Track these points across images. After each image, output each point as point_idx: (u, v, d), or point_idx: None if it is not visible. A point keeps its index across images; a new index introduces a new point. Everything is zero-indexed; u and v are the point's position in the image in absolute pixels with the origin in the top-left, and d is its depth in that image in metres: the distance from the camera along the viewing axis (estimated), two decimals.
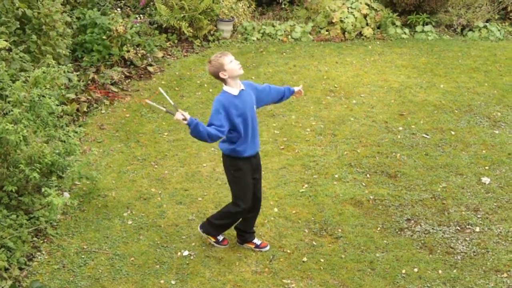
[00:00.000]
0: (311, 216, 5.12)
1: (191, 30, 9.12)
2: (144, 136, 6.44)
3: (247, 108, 4.24)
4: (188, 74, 8.12)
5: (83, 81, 7.15)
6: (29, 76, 5.08)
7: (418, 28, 9.94)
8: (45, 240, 4.72)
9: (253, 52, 9.06)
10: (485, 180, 5.69)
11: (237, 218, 4.59)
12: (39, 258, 4.53)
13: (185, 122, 4.10)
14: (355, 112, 7.06)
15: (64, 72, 5.38)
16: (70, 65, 5.67)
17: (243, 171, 4.36)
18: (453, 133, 6.60)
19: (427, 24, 10.03)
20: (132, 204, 5.24)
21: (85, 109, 6.79)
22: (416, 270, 4.50)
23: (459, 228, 5.01)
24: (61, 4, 7.04)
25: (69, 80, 6.63)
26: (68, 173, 5.20)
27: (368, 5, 9.96)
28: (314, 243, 4.78)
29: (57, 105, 4.95)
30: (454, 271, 4.50)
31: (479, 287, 4.35)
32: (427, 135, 6.55)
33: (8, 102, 4.88)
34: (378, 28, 10.01)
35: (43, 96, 4.87)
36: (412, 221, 5.08)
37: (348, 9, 9.88)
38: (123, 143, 6.27)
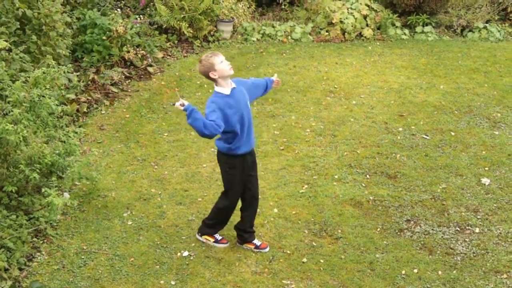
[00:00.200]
0: (311, 217, 5.12)
1: (191, 31, 9.12)
2: (144, 136, 6.44)
3: (241, 105, 4.26)
4: (188, 75, 8.13)
5: (83, 82, 7.15)
6: (29, 77, 5.08)
7: (418, 29, 9.95)
8: (45, 241, 4.72)
9: (253, 52, 9.06)
10: (485, 181, 5.69)
11: (228, 212, 4.63)
12: (39, 258, 4.53)
13: (182, 107, 4.10)
14: (355, 112, 7.06)
15: (64, 72, 5.37)
16: (70, 65, 5.66)
17: (237, 169, 4.40)
18: (453, 134, 6.60)
19: (427, 25, 10.04)
20: (132, 205, 5.24)
21: (85, 110, 6.79)
22: (415, 271, 4.50)
23: (459, 229, 5.01)
24: (61, 5, 7.04)
25: (69, 80, 6.63)
26: (68, 174, 5.20)
27: (368, 6, 9.97)
28: (314, 243, 4.79)
29: (57, 106, 4.95)
30: (454, 272, 4.50)
31: None
32: (427, 136, 6.55)
33: (8, 103, 4.88)
34: (378, 29, 10.01)
35: (43, 96, 4.87)
36: (412, 222, 5.08)
37: (348, 10, 9.89)
38: (123, 144, 6.27)
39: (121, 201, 5.28)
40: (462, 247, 4.77)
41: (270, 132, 6.57)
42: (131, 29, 8.17)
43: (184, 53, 8.92)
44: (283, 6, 10.48)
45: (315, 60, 8.75)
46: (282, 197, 5.39)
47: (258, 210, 5.11)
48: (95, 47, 7.83)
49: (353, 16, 9.82)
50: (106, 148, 6.17)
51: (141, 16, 9.10)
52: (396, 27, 9.95)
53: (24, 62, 6.13)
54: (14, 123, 4.62)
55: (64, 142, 5.07)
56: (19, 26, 6.48)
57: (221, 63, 4.18)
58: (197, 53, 8.93)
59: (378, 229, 4.98)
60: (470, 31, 10.05)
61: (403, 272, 4.48)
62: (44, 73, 5.05)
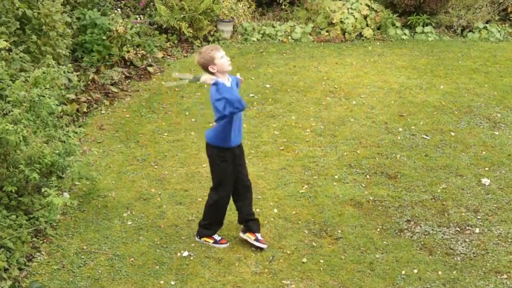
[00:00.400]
0: (311, 217, 5.12)
1: (191, 31, 9.12)
2: (144, 136, 6.44)
3: None
4: None
5: (83, 82, 7.15)
6: (29, 76, 5.08)
7: (418, 29, 9.95)
8: (45, 241, 4.71)
9: (253, 52, 9.06)
10: (485, 181, 5.69)
11: (221, 208, 4.64)
12: (38, 258, 4.52)
13: (212, 81, 4.18)
14: (355, 113, 7.06)
15: (64, 72, 5.38)
16: (70, 65, 5.66)
17: (228, 162, 4.45)
18: (453, 134, 6.60)
19: (427, 25, 10.04)
20: (132, 205, 5.23)
21: (85, 110, 6.78)
22: (415, 271, 4.50)
23: (459, 229, 5.00)
24: (61, 4, 7.04)
25: (69, 80, 6.63)
26: (68, 174, 5.21)
27: (368, 6, 9.96)
28: (314, 244, 4.78)
29: (57, 105, 4.95)
30: (454, 272, 4.50)
31: None
32: (427, 136, 6.55)
33: (8, 102, 4.87)
34: (378, 29, 10.01)
35: (43, 96, 4.87)
36: (412, 222, 5.08)
37: (348, 10, 9.89)
38: (123, 144, 6.27)
39: (121, 201, 5.28)
40: (462, 247, 4.77)
41: (270, 132, 6.56)
42: (131, 29, 8.17)
43: (184, 53, 8.92)
44: (283, 6, 10.47)
45: (315, 60, 8.75)
46: (282, 197, 5.38)
47: (258, 210, 5.12)
48: (95, 47, 7.82)
49: (353, 16, 9.82)
50: (106, 148, 6.16)
51: (141, 16, 9.10)
52: (396, 27, 9.95)
53: (24, 62, 6.13)
54: (14, 123, 4.61)
55: (64, 142, 5.06)
56: (19, 26, 6.48)
57: (221, 58, 4.22)
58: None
59: (378, 230, 4.97)
60: (470, 31, 10.05)
61: (403, 272, 4.48)
62: (44, 73, 5.05)
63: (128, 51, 8.02)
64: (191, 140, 6.35)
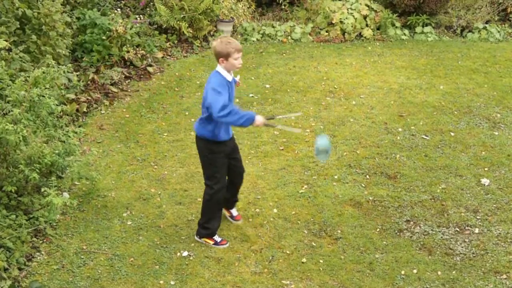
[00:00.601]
0: (310, 217, 5.12)
1: (191, 31, 9.12)
2: (144, 136, 6.44)
3: (232, 96, 4.39)
4: (188, 75, 8.13)
5: (83, 81, 7.15)
6: (29, 76, 5.08)
7: (418, 29, 9.95)
8: (45, 240, 4.71)
9: (253, 52, 9.06)
10: (485, 181, 5.69)
11: (218, 202, 4.63)
12: (38, 258, 4.52)
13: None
14: (355, 113, 7.06)
15: (64, 72, 5.38)
16: (70, 65, 5.66)
17: (218, 155, 4.48)
18: (452, 134, 6.60)
19: (426, 25, 10.04)
20: (131, 205, 5.24)
21: (84, 110, 6.79)
22: (415, 271, 4.50)
23: (458, 229, 5.01)
24: (61, 4, 7.04)
25: (69, 80, 6.63)
26: (68, 174, 5.21)
27: (368, 6, 9.97)
28: (313, 244, 4.79)
29: (57, 105, 4.95)
30: (453, 272, 4.50)
31: None
32: (427, 136, 6.56)
33: (8, 102, 4.88)
34: (378, 29, 10.01)
35: (43, 96, 4.87)
36: (412, 222, 5.08)
37: (348, 10, 9.89)
38: (123, 144, 6.27)
39: (121, 201, 5.28)
40: (462, 247, 4.78)
41: (270, 132, 6.57)
42: (131, 29, 8.17)
43: (184, 53, 8.92)
44: (283, 6, 10.48)
45: (315, 60, 8.75)
46: (282, 197, 5.39)
47: (257, 210, 5.13)
48: (95, 47, 7.83)
49: (353, 16, 9.83)
50: (106, 148, 6.16)
51: (141, 16, 9.10)
52: (396, 27, 9.95)
53: (24, 62, 6.13)
54: (14, 122, 4.62)
55: (64, 142, 5.07)
56: (19, 26, 6.48)
57: (236, 59, 4.27)
58: (196, 53, 8.94)
59: (378, 230, 4.98)
60: (470, 31, 10.05)
61: (403, 272, 4.48)
62: (44, 72, 5.05)
63: (128, 51, 8.02)
64: (191, 140, 6.35)
